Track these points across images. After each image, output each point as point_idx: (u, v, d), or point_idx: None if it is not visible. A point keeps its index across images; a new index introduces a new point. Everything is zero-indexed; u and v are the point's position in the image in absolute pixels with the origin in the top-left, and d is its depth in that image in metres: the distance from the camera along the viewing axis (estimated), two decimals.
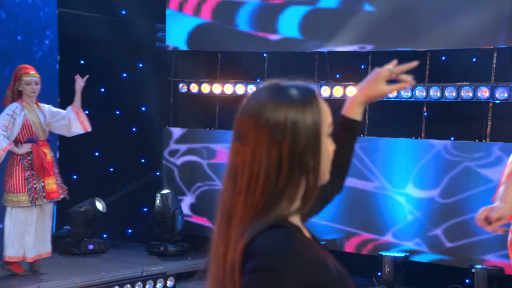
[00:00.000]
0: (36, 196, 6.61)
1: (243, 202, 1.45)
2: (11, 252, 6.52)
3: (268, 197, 1.45)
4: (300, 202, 1.51)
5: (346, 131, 1.94)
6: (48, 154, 6.74)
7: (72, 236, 7.69)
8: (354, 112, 1.90)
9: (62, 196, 6.82)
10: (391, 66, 1.93)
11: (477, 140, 6.90)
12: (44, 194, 6.61)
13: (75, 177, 8.17)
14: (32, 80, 6.57)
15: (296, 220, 1.52)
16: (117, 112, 8.60)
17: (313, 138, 1.50)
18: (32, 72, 6.63)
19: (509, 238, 3.74)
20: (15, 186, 6.70)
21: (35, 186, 6.61)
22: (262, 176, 1.44)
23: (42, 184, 6.61)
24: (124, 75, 8.59)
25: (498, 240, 6.25)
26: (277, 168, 1.44)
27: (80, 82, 6.79)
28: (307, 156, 1.49)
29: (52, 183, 6.69)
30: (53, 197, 6.67)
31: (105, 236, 8.16)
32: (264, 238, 1.37)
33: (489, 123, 6.73)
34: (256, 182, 1.44)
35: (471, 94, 6.55)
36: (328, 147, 1.55)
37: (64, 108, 7.18)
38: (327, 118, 1.54)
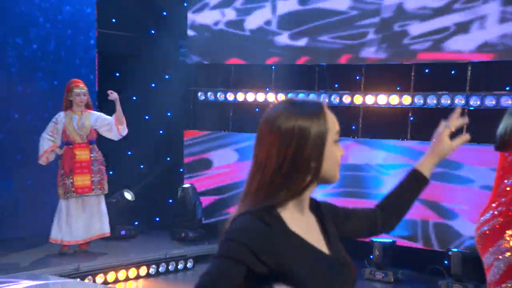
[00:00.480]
0: (66, 190, 7.02)
1: (255, 188, 1.64)
2: (53, 235, 6.99)
3: (271, 188, 1.63)
4: (297, 195, 1.69)
5: (414, 183, 1.98)
6: (83, 155, 7.13)
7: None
8: (427, 169, 1.96)
9: (95, 192, 7.20)
10: (448, 123, 2.05)
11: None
12: (73, 189, 6.99)
13: (111, 172, 8.30)
14: (81, 92, 7.00)
15: (288, 211, 1.69)
16: (147, 117, 8.87)
17: (318, 144, 1.66)
18: (81, 85, 7.06)
19: (476, 236, 3.62)
20: (57, 182, 7.21)
21: (65, 182, 6.99)
22: (271, 171, 1.62)
23: (71, 180, 6.95)
24: (153, 85, 8.93)
25: (473, 227, 6.85)
26: (283, 167, 1.63)
27: (112, 97, 7.13)
28: (311, 159, 1.65)
29: (84, 180, 7.07)
30: (83, 192, 7.05)
31: (136, 223, 8.46)
32: (238, 219, 1.61)
33: (464, 127, 7.08)
34: (266, 175, 1.63)
35: (449, 102, 6.82)
36: (335, 152, 1.71)
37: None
38: (334, 127, 1.70)
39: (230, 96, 8.57)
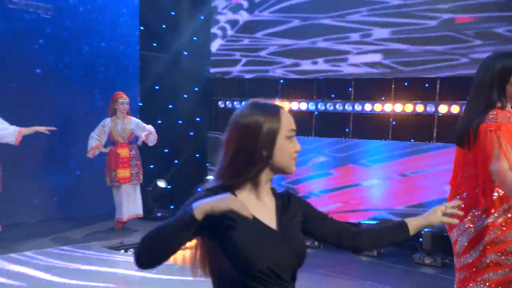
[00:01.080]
0: (111, 180, 7.64)
1: (218, 171, 1.78)
2: (116, 214, 7.69)
3: (230, 171, 1.75)
4: (251, 179, 1.77)
5: (398, 231, 2.04)
6: (124, 153, 7.73)
7: (144, 207, 8.39)
8: (413, 227, 2.02)
9: (133, 182, 7.78)
10: (446, 204, 2.17)
11: (427, 141, 7.43)
12: (116, 179, 7.64)
13: (152, 166, 8.92)
14: (124, 101, 7.58)
15: (244, 192, 1.79)
16: (180, 121, 9.35)
17: (270, 138, 1.76)
18: (124, 96, 7.61)
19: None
20: (105, 173, 7.75)
21: (111, 174, 7.65)
22: (230, 157, 1.75)
23: (115, 173, 7.59)
24: (185, 95, 9.33)
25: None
26: (240, 154, 1.74)
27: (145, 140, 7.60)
28: (263, 149, 1.75)
29: (125, 173, 7.71)
30: (124, 182, 7.66)
31: (172, 207, 8.92)
32: (198, 193, 1.72)
33: (435, 130, 7.40)
34: (230, 161, 1.75)
35: (422, 109, 7.16)
36: (288, 146, 1.79)
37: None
38: (288, 126, 1.79)
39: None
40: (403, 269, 6.78)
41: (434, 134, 7.37)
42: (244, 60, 8.84)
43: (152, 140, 7.72)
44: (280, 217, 1.84)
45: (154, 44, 9.40)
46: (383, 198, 7.80)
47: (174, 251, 1.59)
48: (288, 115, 1.83)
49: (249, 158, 1.75)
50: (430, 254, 6.81)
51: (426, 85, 7.45)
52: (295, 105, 8.10)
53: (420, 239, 6.98)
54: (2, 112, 6.70)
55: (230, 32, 8.98)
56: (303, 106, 8.05)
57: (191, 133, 9.37)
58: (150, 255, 1.59)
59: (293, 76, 8.18)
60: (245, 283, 1.74)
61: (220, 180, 1.78)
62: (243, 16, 8.60)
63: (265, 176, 1.81)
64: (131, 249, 7.07)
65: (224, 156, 1.79)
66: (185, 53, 9.39)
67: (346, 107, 7.82)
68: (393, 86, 7.65)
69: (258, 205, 1.80)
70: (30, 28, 7.98)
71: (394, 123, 7.80)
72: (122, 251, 7.07)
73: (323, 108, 8.00)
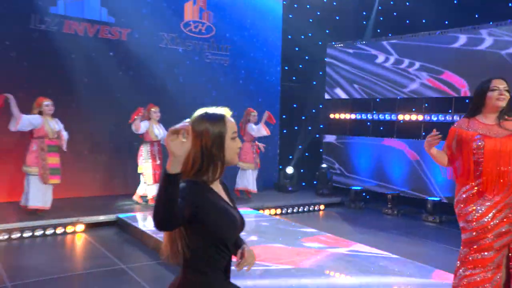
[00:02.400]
0: (256, 165, 8.37)
1: (189, 169, 1.85)
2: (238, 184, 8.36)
3: (198, 169, 1.85)
4: (212, 174, 1.87)
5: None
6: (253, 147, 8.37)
7: (278, 184, 9.60)
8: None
9: (255, 167, 8.46)
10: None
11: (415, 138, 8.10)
12: (258, 165, 8.44)
13: (290, 157, 10.20)
14: (255, 114, 8.42)
15: (215, 183, 1.91)
16: (309, 128, 10.61)
17: (218, 140, 1.86)
18: (254, 111, 8.33)
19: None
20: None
21: (257, 160, 8.44)
22: (195, 159, 1.85)
23: (258, 160, 8.41)
24: (313, 110, 10.62)
25: (445, 183, 7.82)
26: (200, 156, 1.84)
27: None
28: (214, 149, 1.84)
29: (258, 160, 8.49)
30: (248, 168, 8.32)
31: (303, 184, 10.13)
32: (184, 184, 1.79)
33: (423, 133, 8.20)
34: (193, 162, 1.85)
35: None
36: (233, 145, 1.89)
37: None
38: (231, 129, 1.89)
39: (347, 116, 9.86)
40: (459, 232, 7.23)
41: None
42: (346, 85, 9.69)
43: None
44: (230, 198, 1.97)
45: (293, 78, 10.70)
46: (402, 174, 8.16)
47: (171, 207, 1.58)
48: (231, 119, 1.88)
49: (209, 158, 1.83)
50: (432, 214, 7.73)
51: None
52: None
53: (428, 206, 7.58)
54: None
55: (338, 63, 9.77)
56: None
57: (317, 136, 10.47)
58: (158, 216, 1.60)
59: None
60: (220, 254, 1.83)
61: (188, 173, 1.83)
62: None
63: (220, 168, 1.90)
64: (266, 209, 7.96)
65: (191, 157, 1.82)
66: (314, 82, 10.64)
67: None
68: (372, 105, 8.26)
69: (220, 191, 1.91)
70: (217, 63, 9.51)
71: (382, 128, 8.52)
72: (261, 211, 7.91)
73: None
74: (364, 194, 9.56)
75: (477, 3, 8.50)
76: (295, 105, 10.64)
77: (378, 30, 10.26)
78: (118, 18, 8.65)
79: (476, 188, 3.25)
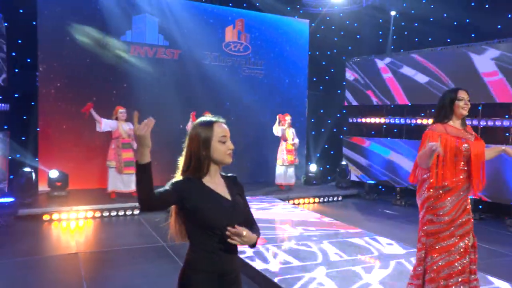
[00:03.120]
0: (283, 162, 9.07)
1: (184, 167, 2.03)
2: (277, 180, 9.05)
3: (191, 167, 2.01)
4: (203, 171, 2.01)
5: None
6: (290, 146, 9.03)
7: (305, 178, 10.35)
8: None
9: (295, 163, 9.18)
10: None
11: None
12: (287, 162, 9.13)
13: (318, 155, 11.09)
14: (290, 118, 9.07)
15: (206, 178, 2.03)
16: (334, 130, 11.35)
17: (206, 143, 1.99)
18: (289, 116, 8.99)
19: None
20: (277, 156, 8.91)
21: (283, 157, 9.09)
22: (188, 159, 2.02)
23: (285, 157, 9.08)
24: (338, 115, 11.22)
25: None
26: (192, 156, 2.01)
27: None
28: (202, 150, 1.99)
29: (291, 156, 9.20)
30: (290, 163, 9.08)
31: (329, 178, 10.86)
32: (180, 179, 1.98)
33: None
34: (187, 161, 2.02)
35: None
36: (220, 147, 2.00)
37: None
38: (219, 134, 2.00)
39: (364, 120, 10.46)
40: (495, 231, 7.07)
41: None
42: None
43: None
44: (231, 191, 2.06)
45: (321, 88, 11.61)
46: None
47: (145, 190, 1.78)
48: (221, 125, 2.02)
49: (198, 158, 1.98)
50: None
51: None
52: None
53: None
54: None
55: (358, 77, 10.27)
56: None
57: (341, 136, 11.04)
58: (138, 198, 1.80)
59: None
60: (208, 238, 1.94)
61: (188, 174, 1.99)
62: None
63: (213, 167, 2.03)
64: (292, 200, 8.56)
65: (184, 157, 2.00)
66: (339, 91, 11.29)
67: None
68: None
69: (216, 185, 2.02)
70: (252, 76, 10.56)
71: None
72: (287, 202, 8.46)
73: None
74: (380, 187, 10.19)
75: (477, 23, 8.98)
76: (322, 110, 11.59)
77: (392, 47, 10.98)
78: (172, 41, 9.99)
79: (454, 185, 3.25)
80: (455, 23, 9.43)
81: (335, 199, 9.41)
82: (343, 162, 10.49)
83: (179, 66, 9.94)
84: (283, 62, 11.00)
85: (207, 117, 2.03)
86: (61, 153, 8.84)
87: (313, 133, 11.52)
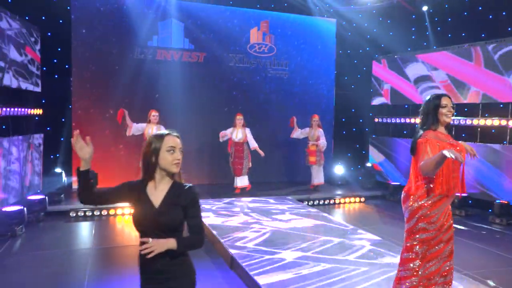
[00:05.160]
0: (307, 162, 9.13)
1: (141, 170, 2.28)
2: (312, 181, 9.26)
3: (145, 171, 2.27)
4: (149, 177, 2.27)
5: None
6: (313, 147, 9.11)
7: (330, 178, 10.31)
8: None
9: (318, 164, 9.10)
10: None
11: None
12: (308, 163, 9.22)
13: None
14: (317, 119, 9.21)
15: (151, 183, 2.28)
16: (367, 129, 11.26)
17: (155, 151, 2.24)
18: (317, 116, 9.14)
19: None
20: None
21: (306, 157, 9.15)
22: (143, 164, 2.28)
23: (308, 158, 9.16)
24: (370, 114, 11.14)
25: None
26: (144, 162, 2.28)
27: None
28: (151, 158, 2.24)
29: (312, 159, 9.25)
30: (311, 163, 9.13)
31: (360, 178, 10.71)
32: (130, 181, 2.28)
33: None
34: (142, 166, 2.28)
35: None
36: (167, 156, 2.23)
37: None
38: (167, 144, 2.24)
39: (394, 120, 10.34)
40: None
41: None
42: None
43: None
44: (166, 199, 2.22)
45: (353, 86, 11.59)
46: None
47: (84, 191, 2.20)
48: (172, 138, 2.24)
49: (148, 164, 2.24)
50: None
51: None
52: None
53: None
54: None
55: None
56: None
57: (374, 136, 10.89)
58: (78, 195, 2.22)
59: None
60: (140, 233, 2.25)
61: (143, 175, 2.27)
62: None
63: (159, 173, 2.25)
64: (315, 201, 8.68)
65: (141, 161, 2.25)
66: (371, 90, 11.11)
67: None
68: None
69: (155, 191, 2.24)
70: (277, 77, 10.71)
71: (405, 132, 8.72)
72: (307, 202, 8.65)
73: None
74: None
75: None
76: (353, 110, 11.64)
77: (424, 43, 10.71)
78: (197, 45, 10.42)
79: (444, 193, 3.29)
80: (490, 16, 9.12)
81: (356, 200, 9.44)
82: (368, 164, 10.64)
83: (204, 69, 10.31)
84: (309, 62, 11.11)
85: (164, 130, 2.31)
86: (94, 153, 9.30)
87: (343, 132, 11.57)
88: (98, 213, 8.08)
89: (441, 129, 3.34)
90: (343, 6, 11.21)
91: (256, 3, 10.94)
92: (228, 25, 10.50)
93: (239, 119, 8.81)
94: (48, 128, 9.53)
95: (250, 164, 8.79)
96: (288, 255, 5.26)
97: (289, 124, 9.43)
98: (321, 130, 9.32)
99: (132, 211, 2.27)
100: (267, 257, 5.15)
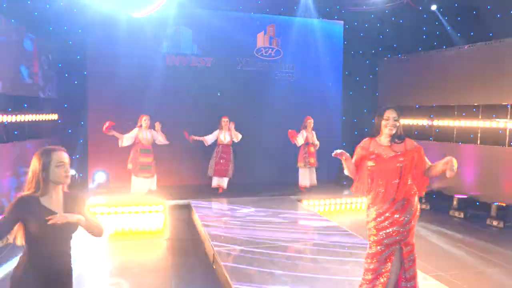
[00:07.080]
0: (305, 164, 9.06)
1: (28, 186, 2.39)
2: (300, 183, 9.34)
3: (33, 186, 2.38)
4: (41, 190, 2.37)
5: None
6: (312, 148, 9.13)
7: (335, 179, 10.38)
8: None
9: (313, 166, 9.15)
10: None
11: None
12: (308, 164, 9.18)
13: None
14: (312, 121, 9.18)
15: (46, 196, 2.39)
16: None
17: (45, 167, 2.37)
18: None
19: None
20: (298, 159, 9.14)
21: (305, 160, 9.13)
22: (31, 179, 2.40)
23: (308, 160, 9.20)
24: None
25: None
26: (34, 177, 2.38)
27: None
28: (41, 173, 2.36)
29: (312, 160, 9.23)
30: (312, 165, 9.17)
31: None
32: (12, 201, 2.28)
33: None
34: (30, 181, 2.41)
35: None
36: (56, 171, 2.37)
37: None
38: (56, 160, 2.38)
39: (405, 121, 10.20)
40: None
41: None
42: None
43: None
44: (65, 207, 2.43)
45: (364, 87, 11.71)
46: None
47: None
48: (60, 153, 2.39)
49: (38, 179, 2.35)
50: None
51: None
52: None
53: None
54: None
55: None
56: None
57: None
58: None
59: None
60: (37, 243, 2.33)
61: (29, 190, 2.36)
62: None
63: (52, 186, 2.39)
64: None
65: (29, 178, 2.36)
66: (377, 94, 11.66)
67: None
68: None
69: (52, 201, 2.38)
70: (284, 80, 10.89)
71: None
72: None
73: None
74: None
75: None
76: (365, 110, 11.55)
77: (435, 43, 10.59)
78: (205, 50, 10.76)
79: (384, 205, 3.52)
80: (498, 15, 8.97)
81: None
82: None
83: (211, 73, 10.59)
84: (316, 65, 11.13)
85: (49, 146, 2.47)
86: (107, 155, 9.86)
87: (355, 133, 11.37)
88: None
89: (383, 139, 3.53)
90: (354, 7, 11.22)
91: (266, 7, 11.13)
92: (234, 30, 10.68)
93: (225, 121, 8.94)
94: (69, 130, 10.08)
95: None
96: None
97: (292, 141, 9.33)
98: (313, 132, 9.41)
99: (25, 227, 2.35)
100: None
